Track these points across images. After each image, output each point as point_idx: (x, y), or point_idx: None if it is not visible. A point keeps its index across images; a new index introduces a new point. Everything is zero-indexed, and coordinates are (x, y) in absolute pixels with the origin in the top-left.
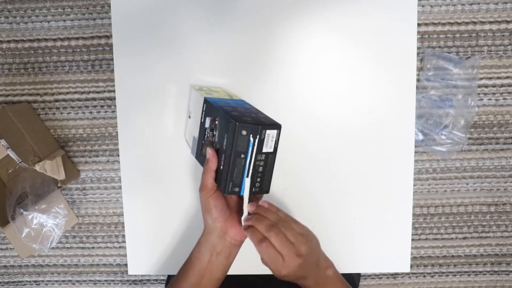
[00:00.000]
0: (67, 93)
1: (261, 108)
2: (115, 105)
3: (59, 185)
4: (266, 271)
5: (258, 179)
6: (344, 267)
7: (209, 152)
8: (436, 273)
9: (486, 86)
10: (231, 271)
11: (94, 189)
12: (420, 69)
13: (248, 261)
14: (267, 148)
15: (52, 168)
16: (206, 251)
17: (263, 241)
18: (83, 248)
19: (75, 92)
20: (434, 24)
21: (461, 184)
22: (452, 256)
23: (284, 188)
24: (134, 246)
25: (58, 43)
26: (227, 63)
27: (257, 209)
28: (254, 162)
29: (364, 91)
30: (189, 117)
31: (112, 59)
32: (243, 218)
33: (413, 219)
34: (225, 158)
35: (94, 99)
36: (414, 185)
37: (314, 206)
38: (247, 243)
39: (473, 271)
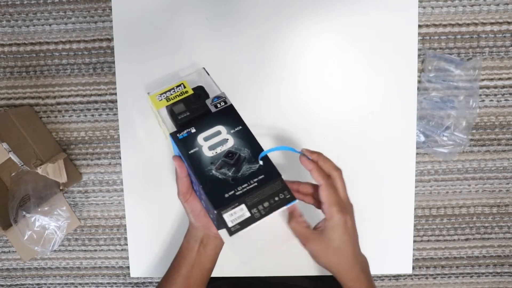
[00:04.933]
0: (69, 96)
1: (263, 109)
2: (116, 108)
3: (61, 188)
4: (268, 272)
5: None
6: None
7: (175, 163)
8: (438, 274)
9: (488, 87)
10: (234, 273)
11: (96, 192)
12: (421, 70)
13: (252, 263)
14: None
15: (54, 171)
16: (195, 243)
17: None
18: (85, 250)
19: (77, 95)
20: (435, 25)
21: (463, 185)
22: (455, 257)
23: None
24: (136, 249)
25: (60, 46)
26: (229, 65)
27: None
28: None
29: (365, 93)
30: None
31: (114, 62)
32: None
33: (415, 221)
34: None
35: (96, 102)
36: (416, 187)
37: (315, 208)
38: (251, 247)
39: (476, 273)
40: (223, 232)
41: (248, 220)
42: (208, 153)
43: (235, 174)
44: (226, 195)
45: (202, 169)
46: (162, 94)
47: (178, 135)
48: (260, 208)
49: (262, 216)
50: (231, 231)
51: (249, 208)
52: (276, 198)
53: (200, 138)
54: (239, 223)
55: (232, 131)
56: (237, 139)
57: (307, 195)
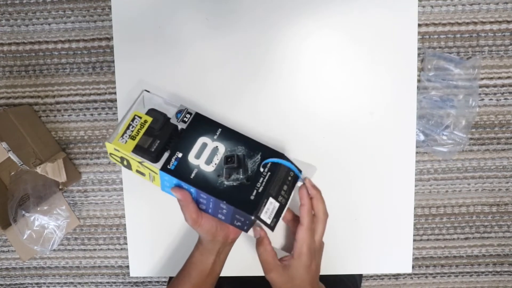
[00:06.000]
0: (68, 95)
1: (262, 108)
2: (116, 107)
3: (60, 187)
4: None
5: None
6: (346, 268)
7: (177, 194)
8: (438, 273)
9: (487, 86)
10: (235, 273)
11: (95, 191)
12: (421, 69)
13: (251, 262)
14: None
15: (53, 170)
16: (210, 255)
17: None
18: (84, 250)
19: (76, 94)
20: (434, 24)
21: (462, 184)
22: (454, 256)
23: None
24: (135, 248)
25: (59, 46)
26: (228, 64)
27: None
28: None
29: (364, 92)
30: None
31: (113, 61)
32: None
33: (414, 220)
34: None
35: (95, 101)
36: (415, 186)
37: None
38: (250, 247)
39: (475, 272)
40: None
41: (280, 209)
42: (208, 169)
43: (246, 174)
44: (252, 197)
45: (214, 187)
46: (123, 135)
47: (168, 166)
48: (283, 194)
49: (287, 200)
50: (272, 227)
51: (276, 198)
52: (289, 178)
53: (191, 158)
54: (274, 216)
55: (215, 137)
56: (225, 142)
57: (285, 218)
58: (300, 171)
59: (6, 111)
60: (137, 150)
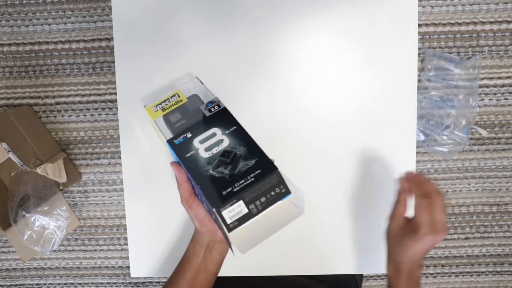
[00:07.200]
0: (68, 95)
1: (262, 108)
2: (116, 108)
3: (60, 187)
4: (269, 272)
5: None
6: (347, 268)
7: (174, 169)
8: (438, 273)
9: (487, 86)
10: (235, 273)
11: (95, 191)
12: (421, 69)
13: (253, 262)
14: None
15: (53, 171)
16: (200, 248)
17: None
18: (85, 250)
19: (76, 95)
20: (434, 24)
21: (462, 184)
22: (455, 256)
23: None
24: (136, 249)
25: (59, 46)
26: (228, 64)
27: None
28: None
29: (365, 92)
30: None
31: (113, 62)
32: None
33: None
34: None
35: (95, 101)
36: None
37: (316, 207)
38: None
39: (476, 272)
40: (234, 248)
41: (246, 216)
42: (204, 155)
43: (231, 172)
44: (224, 193)
45: (199, 170)
46: (157, 105)
47: (174, 141)
48: (257, 204)
49: (259, 212)
50: (230, 228)
51: (247, 204)
52: (273, 193)
53: (196, 142)
54: (237, 220)
55: (227, 132)
56: (232, 139)
57: None
58: (289, 193)
59: (6, 112)
60: (163, 120)
